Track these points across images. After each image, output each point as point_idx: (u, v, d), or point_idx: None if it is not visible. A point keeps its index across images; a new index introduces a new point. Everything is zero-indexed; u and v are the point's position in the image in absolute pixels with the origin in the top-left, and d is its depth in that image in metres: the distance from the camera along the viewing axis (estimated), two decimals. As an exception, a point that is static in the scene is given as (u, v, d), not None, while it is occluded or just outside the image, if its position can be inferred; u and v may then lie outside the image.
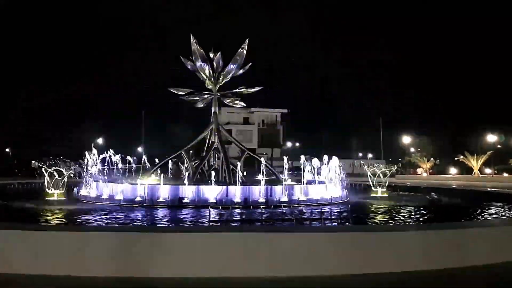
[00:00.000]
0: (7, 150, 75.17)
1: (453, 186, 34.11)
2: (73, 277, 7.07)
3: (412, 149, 72.07)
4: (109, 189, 20.50)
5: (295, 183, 22.03)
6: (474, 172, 58.47)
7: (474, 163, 58.54)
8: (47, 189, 20.73)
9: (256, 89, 27.02)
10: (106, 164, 23.45)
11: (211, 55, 25.66)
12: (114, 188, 20.28)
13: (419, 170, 66.06)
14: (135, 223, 14.51)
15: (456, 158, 63.81)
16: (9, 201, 19.48)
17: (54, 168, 20.63)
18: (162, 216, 16.23)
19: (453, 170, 64.69)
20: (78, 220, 15.29)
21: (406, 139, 71.34)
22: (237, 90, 26.82)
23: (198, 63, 25.46)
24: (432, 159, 66.75)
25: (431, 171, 65.35)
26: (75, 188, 22.48)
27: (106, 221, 14.92)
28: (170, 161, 26.23)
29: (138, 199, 18.90)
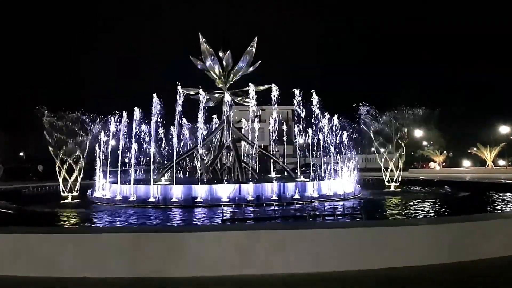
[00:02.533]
0: (21, 154, 75.95)
1: (467, 179, 33.79)
2: (89, 278, 7.14)
3: (425, 143, 71.31)
4: (122, 190, 20.65)
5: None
6: (488, 164, 57.78)
7: (488, 155, 57.81)
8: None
9: (266, 86, 27.00)
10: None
11: (221, 54, 25.69)
12: (128, 190, 20.41)
13: (432, 164, 65.32)
14: (148, 224, 14.61)
15: (469, 151, 63.05)
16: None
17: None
18: (176, 216, 16.30)
19: (466, 163, 63.87)
20: (93, 222, 15.46)
21: (418, 133, 70.63)
22: (247, 88, 26.82)
23: (208, 62, 25.52)
24: (444, 152, 66.02)
25: (444, 164, 64.63)
26: (89, 190, 22.70)
27: (120, 222, 15.04)
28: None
29: (152, 199, 19.01)
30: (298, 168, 25.29)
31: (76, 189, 21.37)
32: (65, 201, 20.75)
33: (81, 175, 21.77)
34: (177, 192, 19.14)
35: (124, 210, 17.92)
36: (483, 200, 19.46)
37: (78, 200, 20.99)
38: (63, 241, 7.78)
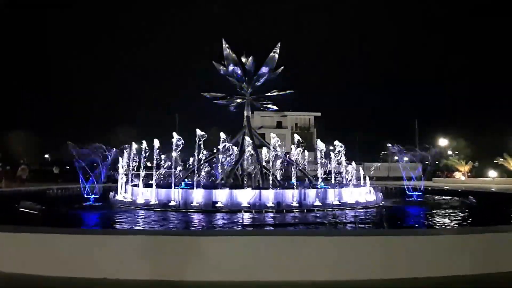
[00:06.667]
0: (46, 156, 77.41)
1: (493, 190, 33.02)
2: (109, 280, 7.17)
3: (450, 152, 70.10)
4: (144, 193, 20.82)
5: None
6: (515, 175, 56.41)
7: (515, 165, 56.50)
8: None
9: (288, 92, 27.03)
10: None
11: (243, 59, 25.79)
12: (149, 193, 20.57)
13: (456, 174, 64.08)
14: (169, 227, 14.67)
15: (495, 161, 61.68)
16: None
17: None
18: (196, 220, 16.34)
19: (492, 173, 62.44)
20: (114, 224, 15.60)
21: (442, 142, 69.51)
22: (269, 94, 26.89)
23: (231, 68, 25.66)
24: (470, 162, 64.77)
25: (469, 174, 63.36)
26: (110, 193, 22.95)
27: (141, 225, 15.15)
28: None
29: (172, 203, 19.10)
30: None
31: (98, 191, 21.59)
32: (88, 203, 20.98)
33: (103, 178, 22.03)
34: (197, 196, 19.20)
35: (145, 213, 18.06)
36: (509, 211, 18.97)
37: (100, 203, 21.21)
38: (85, 242, 7.84)
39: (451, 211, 18.99)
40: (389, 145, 27.06)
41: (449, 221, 15.99)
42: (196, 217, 16.94)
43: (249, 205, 18.55)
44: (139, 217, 16.90)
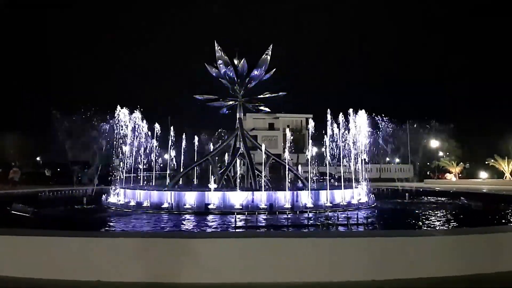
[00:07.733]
0: (37, 158, 76.84)
1: (484, 191, 33.27)
2: (103, 282, 7.18)
3: (441, 153, 70.47)
4: (136, 196, 20.78)
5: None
6: (506, 176, 56.83)
7: (505, 167, 56.92)
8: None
9: (281, 94, 27.11)
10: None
11: (236, 61, 25.82)
12: (142, 195, 20.54)
13: (448, 175, 64.44)
14: (162, 229, 14.66)
15: (486, 162, 62.12)
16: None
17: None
18: (189, 222, 16.34)
19: (483, 174, 62.82)
20: (107, 226, 15.57)
21: (434, 143, 69.86)
22: (261, 96, 26.95)
23: (223, 70, 25.67)
24: (461, 163, 65.20)
25: (460, 175, 63.77)
26: (103, 195, 22.90)
27: (134, 227, 15.12)
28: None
29: (165, 205, 19.09)
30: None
31: (91, 194, 21.57)
32: (80, 205, 20.94)
33: (96, 180, 21.99)
34: (190, 198, 19.21)
35: (138, 215, 18.02)
36: (500, 212, 19.15)
37: (93, 205, 21.16)
38: (78, 244, 7.84)
39: (443, 211, 19.15)
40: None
41: (441, 221, 16.13)
42: (189, 219, 16.95)
43: (241, 207, 18.59)
44: (132, 219, 16.86)
